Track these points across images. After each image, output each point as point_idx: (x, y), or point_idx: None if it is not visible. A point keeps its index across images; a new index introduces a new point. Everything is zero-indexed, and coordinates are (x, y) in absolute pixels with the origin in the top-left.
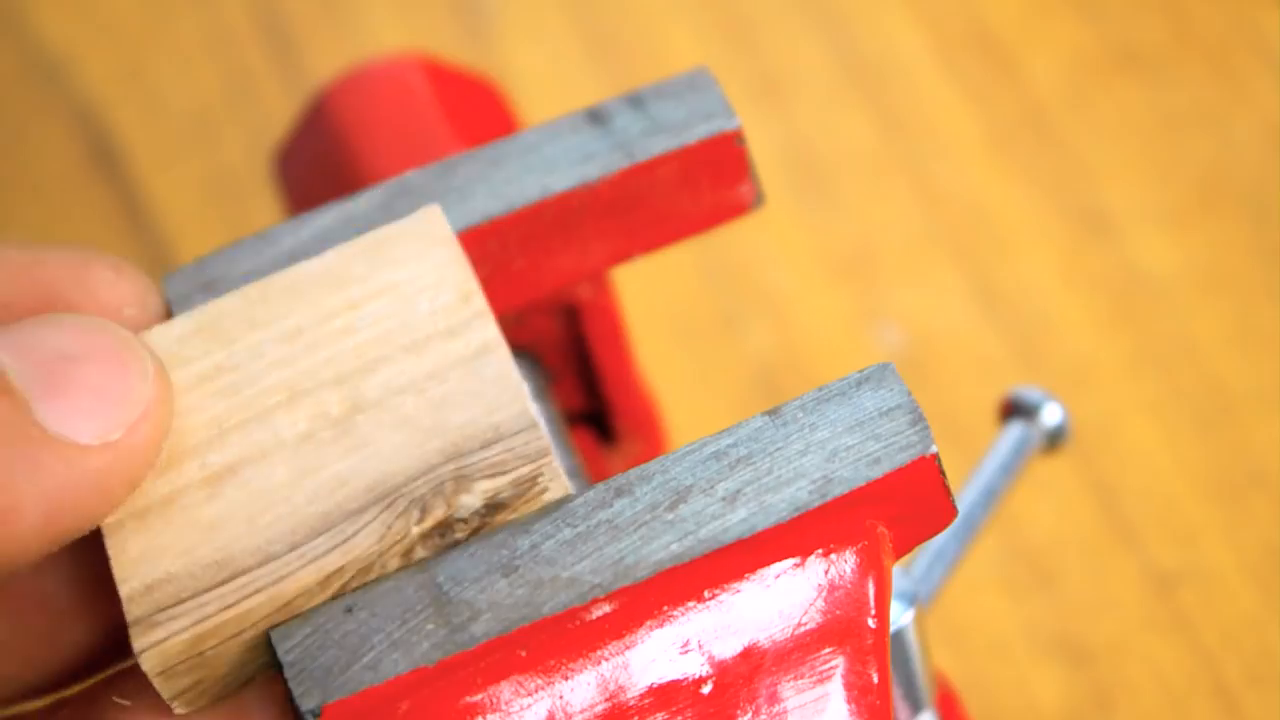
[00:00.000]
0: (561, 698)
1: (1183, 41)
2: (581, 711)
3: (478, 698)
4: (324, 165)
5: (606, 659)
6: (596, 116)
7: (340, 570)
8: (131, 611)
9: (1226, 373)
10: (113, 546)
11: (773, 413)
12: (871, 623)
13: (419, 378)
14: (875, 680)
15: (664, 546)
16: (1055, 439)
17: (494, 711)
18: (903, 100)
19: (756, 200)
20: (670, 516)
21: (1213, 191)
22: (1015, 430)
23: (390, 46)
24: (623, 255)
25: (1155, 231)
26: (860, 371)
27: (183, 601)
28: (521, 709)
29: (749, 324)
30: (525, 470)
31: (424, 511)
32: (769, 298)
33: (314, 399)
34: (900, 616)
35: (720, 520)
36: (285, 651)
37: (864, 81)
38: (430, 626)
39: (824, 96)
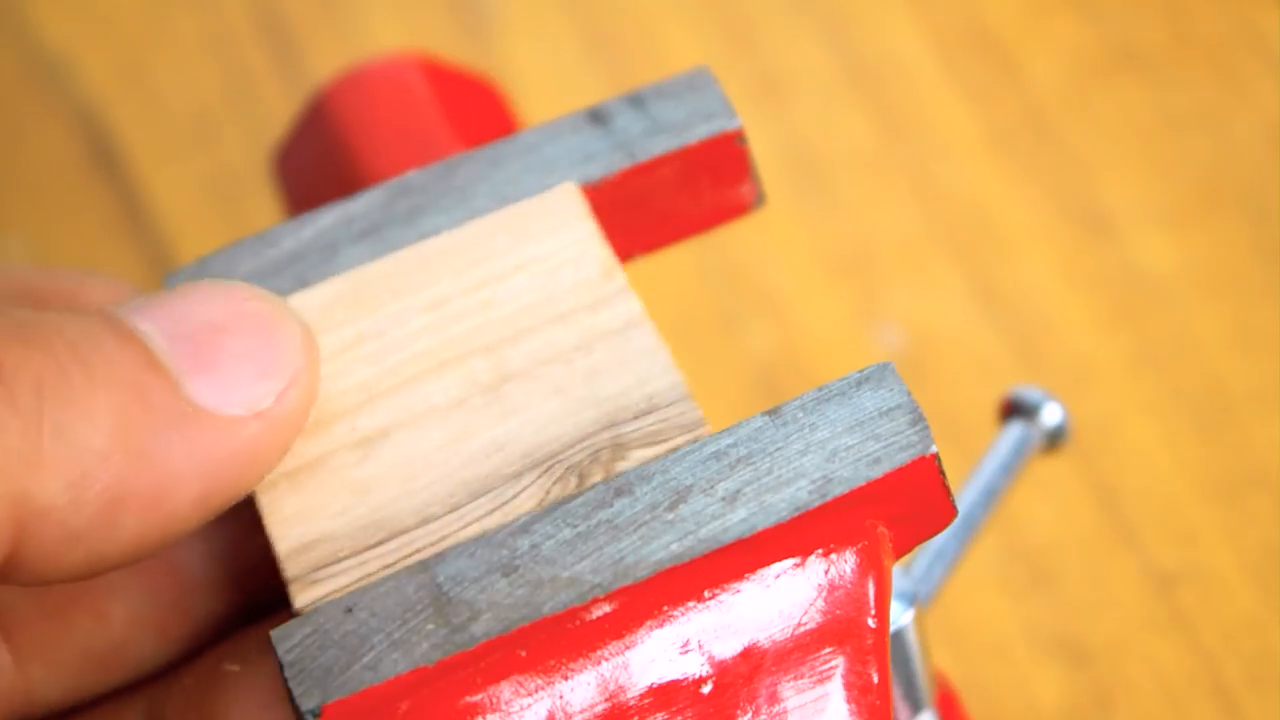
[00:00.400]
0: (561, 698)
1: (1183, 41)
2: (581, 711)
3: (478, 698)
4: (323, 165)
5: (606, 659)
6: (597, 117)
7: None
8: (289, 570)
9: (1226, 373)
10: (265, 506)
11: (773, 413)
12: (871, 623)
13: (566, 349)
14: (875, 680)
15: (664, 546)
16: (1055, 439)
17: (494, 711)
18: (903, 100)
19: (758, 200)
20: (670, 516)
21: (1213, 191)
22: (1015, 430)
23: (390, 46)
24: (623, 255)
25: (1155, 231)
26: (860, 371)
27: (341, 560)
28: (521, 709)
29: (749, 324)
30: (682, 440)
31: (581, 478)
32: (769, 298)
33: (463, 366)
34: (900, 616)
35: (720, 520)
36: (285, 651)
37: (864, 81)
38: (430, 626)
39: (824, 96)
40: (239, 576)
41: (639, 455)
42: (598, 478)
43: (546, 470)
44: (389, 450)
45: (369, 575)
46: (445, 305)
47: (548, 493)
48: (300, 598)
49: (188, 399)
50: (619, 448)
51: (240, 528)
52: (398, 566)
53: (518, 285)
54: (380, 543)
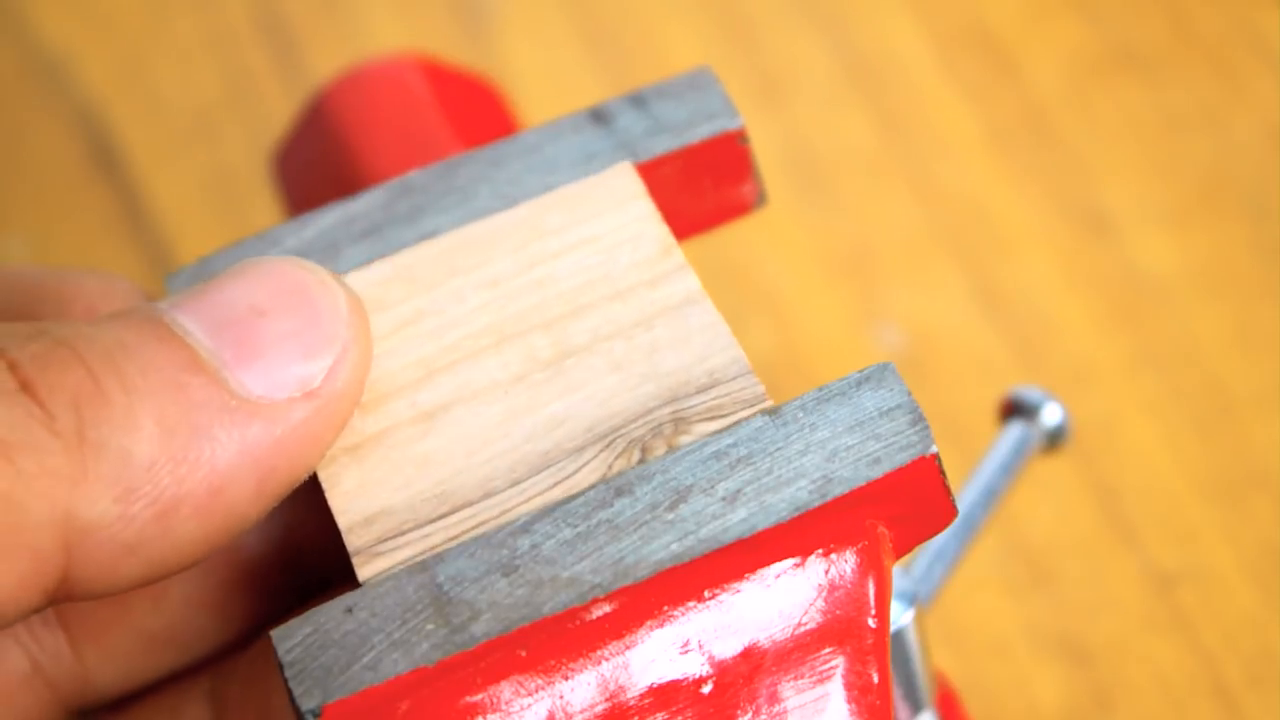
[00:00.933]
0: (561, 698)
1: (1183, 41)
2: (581, 711)
3: (478, 698)
4: (322, 165)
5: (606, 659)
6: (599, 116)
7: None
8: (353, 542)
9: (1226, 373)
10: (327, 480)
11: (773, 413)
12: (871, 623)
13: (626, 325)
14: (875, 680)
15: (664, 546)
16: (1055, 439)
17: (494, 711)
18: (903, 100)
19: (759, 200)
20: (670, 516)
21: (1213, 191)
22: (1015, 430)
23: (390, 46)
24: None
25: (1155, 231)
26: (860, 371)
27: (405, 533)
28: (521, 709)
29: (749, 324)
30: (744, 414)
31: (644, 452)
32: (769, 297)
33: (522, 342)
34: (900, 616)
35: (720, 520)
36: (285, 651)
37: (864, 81)
38: (430, 626)
39: (824, 96)
40: (297, 554)
41: (701, 429)
42: (659, 452)
43: (609, 445)
44: (450, 425)
45: (433, 548)
46: (503, 283)
47: (610, 467)
48: (365, 570)
49: (232, 392)
50: (681, 422)
51: (296, 506)
52: (462, 539)
53: (575, 263)
54: (443, 516)
